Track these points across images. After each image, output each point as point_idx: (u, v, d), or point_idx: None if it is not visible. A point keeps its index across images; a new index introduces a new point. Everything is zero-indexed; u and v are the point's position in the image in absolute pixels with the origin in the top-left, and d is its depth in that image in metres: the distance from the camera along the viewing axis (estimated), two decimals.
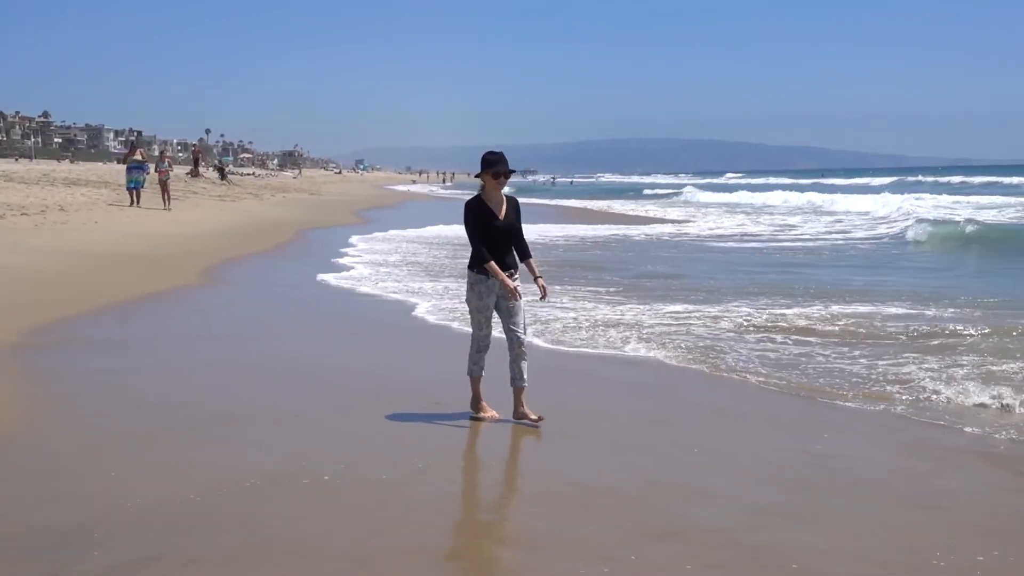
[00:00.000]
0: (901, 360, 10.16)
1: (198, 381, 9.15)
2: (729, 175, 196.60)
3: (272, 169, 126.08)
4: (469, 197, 7.70)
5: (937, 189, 73.18)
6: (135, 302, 13.62)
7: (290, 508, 5.71)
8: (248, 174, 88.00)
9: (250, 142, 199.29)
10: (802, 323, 12.42)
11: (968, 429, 7.75)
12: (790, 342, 11.21)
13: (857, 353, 10.54)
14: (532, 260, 7.83)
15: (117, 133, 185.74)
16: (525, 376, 7.62)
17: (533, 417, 7.59)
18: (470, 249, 7.60)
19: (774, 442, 7.42)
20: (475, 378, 7.73)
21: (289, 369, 9.70)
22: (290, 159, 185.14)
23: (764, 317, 12.89)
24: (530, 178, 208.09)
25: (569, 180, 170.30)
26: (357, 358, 10.54)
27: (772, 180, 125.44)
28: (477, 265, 7.53)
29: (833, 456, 7.03)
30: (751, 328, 12.10)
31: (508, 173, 7.59)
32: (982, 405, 8.41)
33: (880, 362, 10.09)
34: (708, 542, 5.28)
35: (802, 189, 73.56)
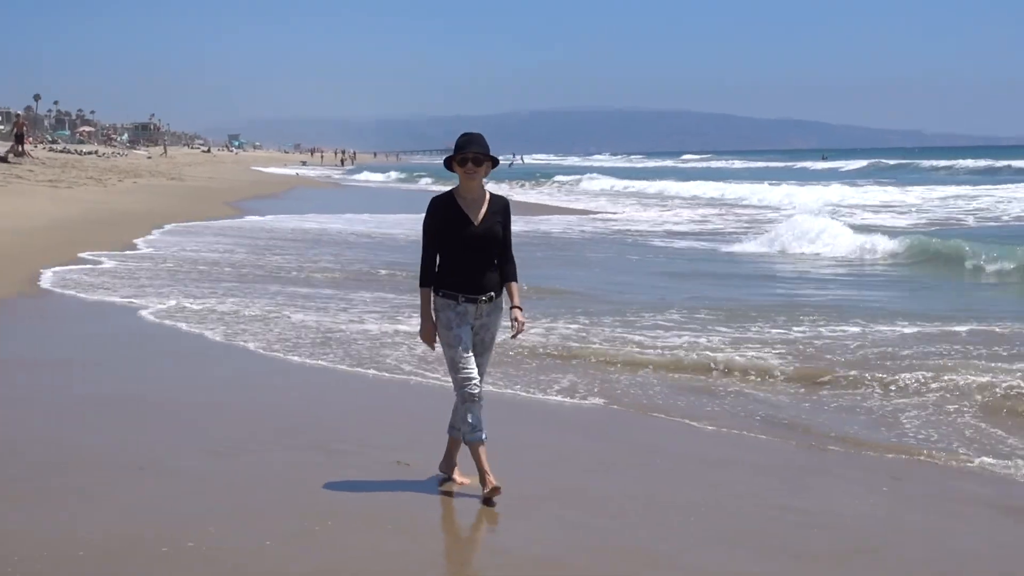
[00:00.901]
0: (885, 392, 10.37)
1: (18, 417, 9.03)
2: (688, 156, 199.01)
3: (120, 146, 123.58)
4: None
5: (921, 177, 75.20)
6: None
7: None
8: (90, 152, 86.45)
9: (92, 112, 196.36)
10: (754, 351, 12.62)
11: (985, 474, 7.89)
12: (752, 375, 11.28)
13: (825, 393, 10.65)
14: (515, 284, 7.20)
15: None
16: (481, 425, 7.04)
17: (464, 480, 7.29)
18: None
19: (752, 495, 7.45)
20: (475, 444, 7.04)
21: (136, 401, 9.60)
22: (144, 133, 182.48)
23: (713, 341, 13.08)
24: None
25: (510, 162, 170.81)
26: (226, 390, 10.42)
27: (741, 164, 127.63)
28: (440, 287, 7.01)
29: (825, 512, 7.09)
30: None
31: (482, 159, 7.00)
32: (993, 446, 8.58)
33: (862, 395, 10.30)
34: None
35: (779, 176, 74.83)
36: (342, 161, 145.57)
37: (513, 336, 7.24)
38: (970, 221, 36.18)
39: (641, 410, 9.73)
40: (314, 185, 70.62)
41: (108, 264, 19.61)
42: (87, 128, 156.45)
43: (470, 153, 6.98)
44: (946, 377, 10.42)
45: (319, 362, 11.57)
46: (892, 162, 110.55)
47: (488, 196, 7.15)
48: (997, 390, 9.99)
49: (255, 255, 22.79)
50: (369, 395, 10.49)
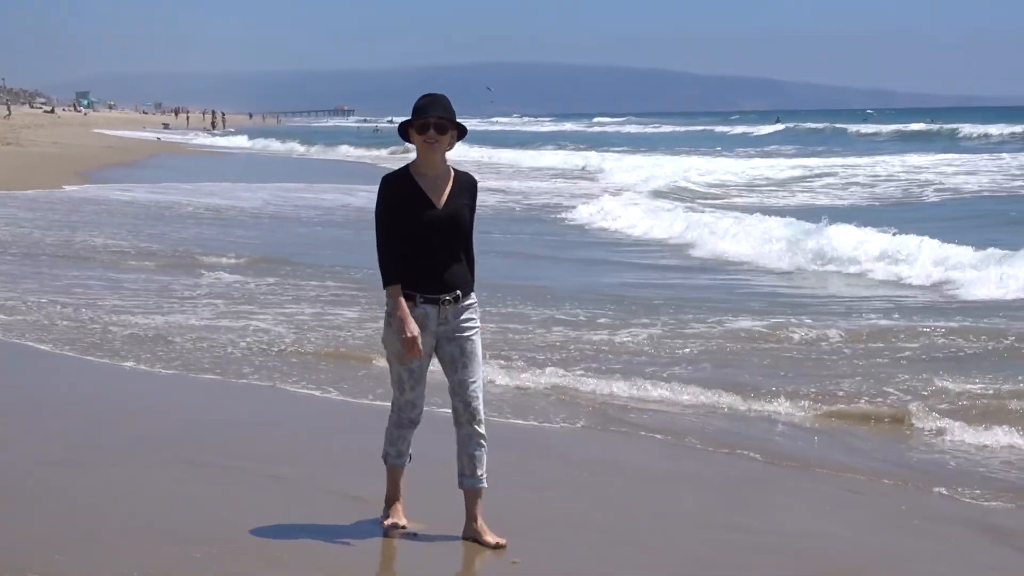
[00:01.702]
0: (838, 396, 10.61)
1: None
2: (601, 118, 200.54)
3: None
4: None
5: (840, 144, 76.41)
6: None
7: None
8: None
9: None
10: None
11: (957, 490, 8.04)
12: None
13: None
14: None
15: None
16: (482, 470, 6.58)
17: (492, 541, 6.54)
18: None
19: (699, 517, 7.51)
20: (393, 468, 6.76)
21: None
22: None
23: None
24: (347, 121, 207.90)
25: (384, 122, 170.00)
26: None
27: (668, 128, 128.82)
28: (395, 283, 6.47)
29: (784, 534, 7.20)
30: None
31: (446, 125, 6.48)
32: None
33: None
34: None
35: (693, 142, 75.50)
36: (212, 123, 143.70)
37: None
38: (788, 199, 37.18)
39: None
40: (184, 151, 69.91)
41: None
42: None
43: (432, 118, 6.41)
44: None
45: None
46: (818, 125, 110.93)
47: (452, 173, 6.61)
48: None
49: (69, 232, 22.83)
50: (229, 402, 10.54)
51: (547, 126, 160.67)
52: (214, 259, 19.25)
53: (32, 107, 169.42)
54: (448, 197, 6.48)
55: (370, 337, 12.12)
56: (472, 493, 6.56)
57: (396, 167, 6.72)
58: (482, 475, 6.52)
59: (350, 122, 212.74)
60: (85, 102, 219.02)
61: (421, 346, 6.34)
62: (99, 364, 11.54)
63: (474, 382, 6.48)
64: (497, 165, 60.93)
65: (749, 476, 8.40)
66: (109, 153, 58.83)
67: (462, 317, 6.50)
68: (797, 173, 47.72)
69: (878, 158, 54.57)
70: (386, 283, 6.40)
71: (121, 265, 18.42)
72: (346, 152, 75.47)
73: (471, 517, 6.57)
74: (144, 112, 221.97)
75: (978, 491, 7.92)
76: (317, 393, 10.53)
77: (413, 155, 6.66)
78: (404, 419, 6.60)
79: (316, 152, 78.32)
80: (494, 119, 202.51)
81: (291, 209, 31.07)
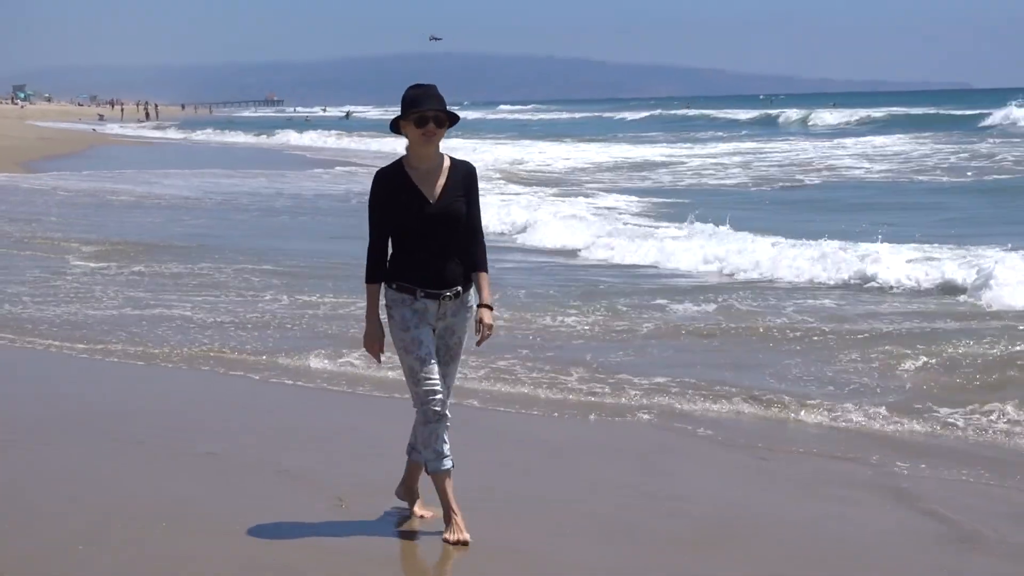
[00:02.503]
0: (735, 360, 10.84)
1: None
2: (505, 106, 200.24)
3: None
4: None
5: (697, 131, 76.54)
6: None
7: None
8: None
9: None
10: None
11: (861, 457, 8.14)
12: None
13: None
14: (485, 275, 6.32)
15: None
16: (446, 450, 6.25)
17: (419, 513, 6.57)
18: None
19: (608, 482, 7.55)
20: (437, 475, 6.29)
21: None
22: None
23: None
24: (283, 112, 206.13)
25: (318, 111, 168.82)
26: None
27: (563, 114, 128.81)
28: (394, 278, 6.18)
29: (692, 498, 7.27)
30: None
31: (443, 117, 6.12)
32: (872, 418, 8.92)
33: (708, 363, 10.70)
34: None
35: (581, 129, 76.14)
36: (147, 114, 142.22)
37: (478, 343, 6.35)
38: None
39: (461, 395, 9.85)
40: (121, 142, 68.98)
41: None
42: None
43: (430, 111, 6.02)
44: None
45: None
46: (678, 112, 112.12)
47: (447, 164, 6.20)
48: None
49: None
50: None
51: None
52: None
53: None
54: (442, 191, 6.10)
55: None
56: (438, 478, 6.21)
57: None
58: (445, 456, 6.20)
59: (289, 111, 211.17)
60: (22, 95, 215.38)
61: (381, 352, 6.27)
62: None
63: (448, 377, 6.29)
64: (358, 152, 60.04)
65: (663, 446, 8.46)
66: (46, 144, 57.87)
67: (458, 316, 6.24)
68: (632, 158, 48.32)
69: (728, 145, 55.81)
70: (366, 280, 6.20)
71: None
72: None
73: (444, 498, 6.25)
74: (80, 104, 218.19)
75: (881, 457, 8.01)
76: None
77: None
78: (429, 411, 6.12)
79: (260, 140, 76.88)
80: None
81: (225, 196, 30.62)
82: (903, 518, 6.90)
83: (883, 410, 8.96)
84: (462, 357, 6.49)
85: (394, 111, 6.45)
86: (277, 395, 9.90)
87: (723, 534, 6.54)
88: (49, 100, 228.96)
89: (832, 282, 15.74)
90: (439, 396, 6.10)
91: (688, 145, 59.33)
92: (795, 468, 7.91)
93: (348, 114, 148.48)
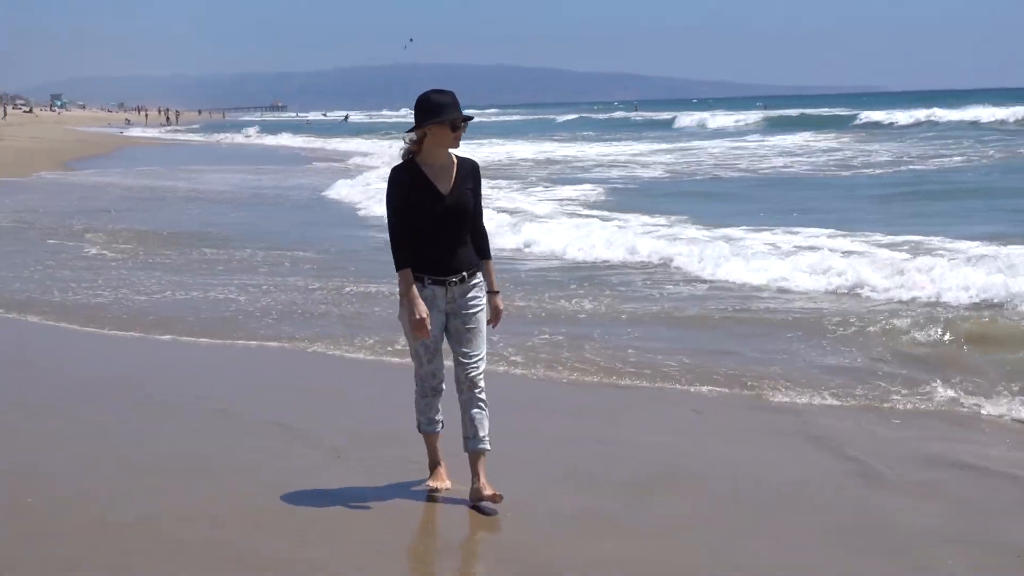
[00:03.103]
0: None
1: None
2: (468, 111, 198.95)
3: None
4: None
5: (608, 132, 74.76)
6: None
7: None
8: None
9: None
10: None
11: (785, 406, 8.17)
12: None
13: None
14: (490, 263, 6.10)
15: None
16: (484, 433, 5.98)
17: (489, 493, 5.97)
18: None
19: (558, 434, 7.54)
20: (427, 435, 6.14)
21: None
22: None
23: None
24: (285, 116, 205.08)
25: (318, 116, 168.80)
26: None
27: (518, 117, 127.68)
28: (406, 267, 5.86)
29: (636, 445, 7.26)
30: None
31: (465, 123, 5.88)
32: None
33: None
34: (513, 560, 5.37)
35: (525, 130, 74.23)
36: (167, 119, 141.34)
37: (492, 327, 6.08)
38: None
39: None
40: (145, 143, 68.47)
41: None
42: None
43: (464, 117, 5.80)
44: None
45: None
46: (602, 116, 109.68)
47: (456, 161, 5.93)
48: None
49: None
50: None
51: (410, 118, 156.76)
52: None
53: (13, 108, 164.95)
54: (453, 186, 5.83)
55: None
56: (475, 455, 5.97)
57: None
58: (484, 437, 5.95)
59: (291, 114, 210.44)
60: (59, 103, 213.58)
61: (429, 326, 5.78)
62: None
63: (476, 354, 5.91)
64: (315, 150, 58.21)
65: (615, 400, 8.47)
66: (82, 146, 57.41)
67: (468, 296, 5.88)
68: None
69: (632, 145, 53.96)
70: (397, 267, 5.80)
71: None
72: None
73: (475, 475, 5.98)
74: (109, 111, 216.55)
75: (801, 413, 7.99)
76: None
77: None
78: (426, 388, 6.00)
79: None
80: (382, 111, 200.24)
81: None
82: (818, 459, 6.93)
83: (803, 378, 8.79)
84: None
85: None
86: (289, 362, 9.78)
87: (668, 476, 6.58)
88: (83, 107, 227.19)
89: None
90: (439, 378, 5.97)
91: (604, 143, 57.52)
92: (728, 421, 7.90)
93: (347, 117, 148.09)
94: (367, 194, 25.39)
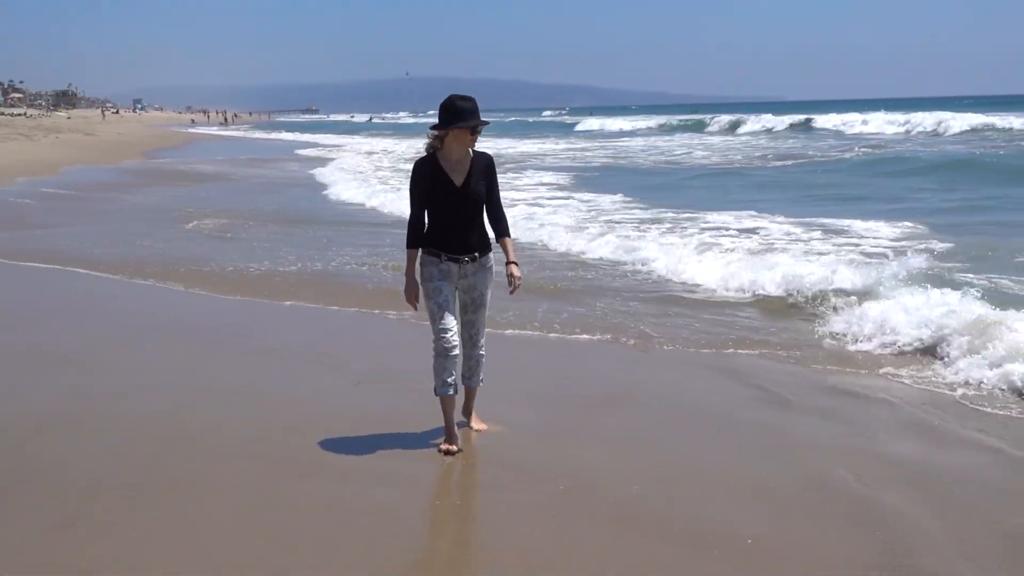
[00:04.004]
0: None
1: None
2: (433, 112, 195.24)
3: (41, 109, 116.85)
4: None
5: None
6: None
7: (61, 445, 5.48)
8: (19, 114, 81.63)
9: (21, 81, 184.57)
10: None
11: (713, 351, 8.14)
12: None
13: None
14: (509, 240, 5.68)
15: None
16: (478, 376, 5.86)
17: (475, 427, 5.89)
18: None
19: (522, 373, 7.39)
20: (442, 399, 5.59)
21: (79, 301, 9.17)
22: (64, 99, 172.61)
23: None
24: (314, 117, 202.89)
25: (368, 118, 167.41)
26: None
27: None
28: (427, 244, 5.57)
29: (591, 379, 7.19)
30: None
31: (482, 126, 5.52)
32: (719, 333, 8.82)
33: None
34: (490, 461, 5.37)
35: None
36: (225, 119, 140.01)
37: (511, 292, 5.66)
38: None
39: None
40: (207, 138, 67.69)
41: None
42: (16, 95, 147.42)
43: (483, 123, 5.45)
44: None
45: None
46: (532, 119, 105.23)
47: (471, 155, 5.54)
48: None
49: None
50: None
51: (405, 119, 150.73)
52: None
53: (105, 111, 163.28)
54: (466, 177, 5.46)
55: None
56: (470, 390, 5.86)
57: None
58: (476, 379, 5.81)
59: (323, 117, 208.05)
60: (139, 106, 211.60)
61: (416, 301, 5.54)
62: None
63: (479, 321, 5.69)
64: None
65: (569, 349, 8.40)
66: (159, 140, 56.86)
67: (479, 274, 5.58)
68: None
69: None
70: (407, 246, 5.55)
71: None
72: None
73: (467, 408, 5.90)
74: (179, 112, 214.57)
75: (724, 352, 7.98)
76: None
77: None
78: (440, 347, 5.48)
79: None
80: (386, 115, 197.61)
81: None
82: (733, 387, 6.90)
83: (732, 335, 8.52)
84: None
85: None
86: (326, 317, 9.47)
87: (618, 400, 6.55)
88: (160, 110, 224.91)
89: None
90: (450, 335, 5.47)
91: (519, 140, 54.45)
92: (667, 358, 7.88)
93: (371, 119, 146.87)
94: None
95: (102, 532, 4.38)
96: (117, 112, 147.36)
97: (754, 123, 61.92)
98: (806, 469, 5.27)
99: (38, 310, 9.41)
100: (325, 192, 23.13)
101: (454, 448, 5.51)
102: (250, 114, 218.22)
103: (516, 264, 5.61)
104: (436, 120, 5.41)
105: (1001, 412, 6.27)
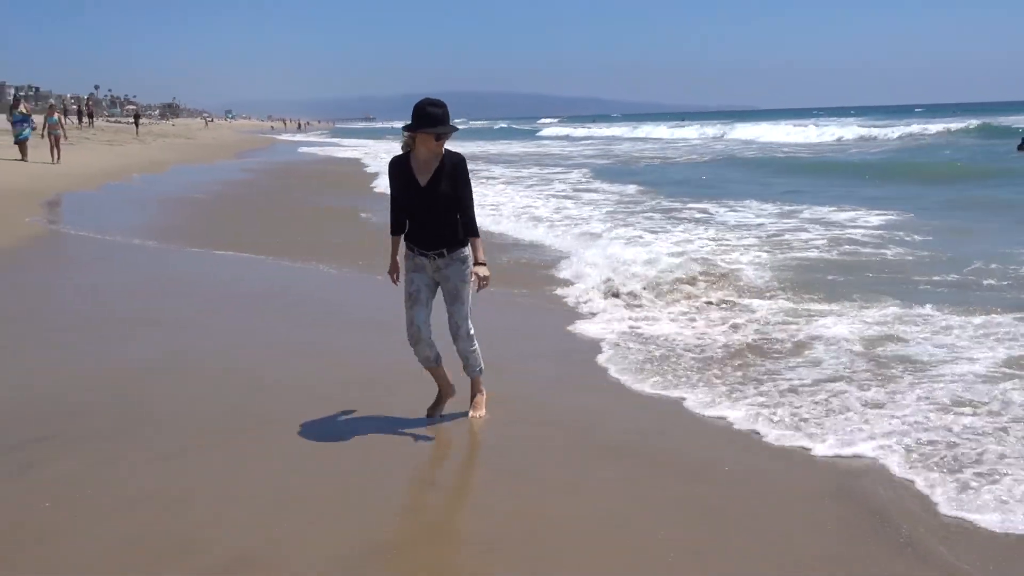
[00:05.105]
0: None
1: (92, 291, 8.56)
2: (460, 120, 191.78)
3: (152, 119, 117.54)
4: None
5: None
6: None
7: (166, 390, 5.47)
8: (130, 122, 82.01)
9: (134, 95, 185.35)
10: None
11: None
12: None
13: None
14: (477, 240, 4.91)
15: (18, 89, 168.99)
16: (473, 366, 5.14)
17: (474, 414, 5.16)
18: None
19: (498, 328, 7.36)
20: (428, 370, 5.14)
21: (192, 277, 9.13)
22: (169, 110, 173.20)
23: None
24: (369, 124, 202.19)
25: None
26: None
27: (502, 125, 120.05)
28: (406, 238, 4.99)
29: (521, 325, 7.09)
30: None
31: (448, 133, 4.77)
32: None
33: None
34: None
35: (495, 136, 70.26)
36: (299, 126, 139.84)
37: (476, 291, 4.96)
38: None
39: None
40: (285, 143, 67.46)
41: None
42: (130, 106, 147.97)
43: (447, 131, 4.72)
44: None
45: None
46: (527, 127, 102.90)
47: (441, 155, 4.80)
48: None
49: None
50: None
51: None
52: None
53: (200, 119, 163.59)
54: (432, 177, 4.77)
55: None
56: (471, 379, 5.18)
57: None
58: (471, 369, 5.12)
59: (376, 124, 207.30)
60: (230, 115, 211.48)
61: (397, 279, 5.02)
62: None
63: (457, 314, 4.93)
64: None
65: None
66: (247, 143, 56.81)
67: (451, 268, 4.87)
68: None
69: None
70: (390, 232, 5.00)
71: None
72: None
73: (472, 395, 5.22)
74: (261, 121, 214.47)
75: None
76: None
77: None
78: (410, 336, 4.95)
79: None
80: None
81: None
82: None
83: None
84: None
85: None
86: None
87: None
88: (248, 118, 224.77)
89: None
90: (412, 328, 4.90)
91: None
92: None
93: (404, 125, 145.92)
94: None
95: (198, 462, 4.37)
96: (212, 120, 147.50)
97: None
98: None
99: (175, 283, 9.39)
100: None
101: (438, 412, 5.11)
102: (319, 122, 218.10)
103: (483, 264, 4.86)
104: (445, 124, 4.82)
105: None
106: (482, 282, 4.86)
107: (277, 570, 3.35)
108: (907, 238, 11.56)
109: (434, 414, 5.12)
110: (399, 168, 4.85)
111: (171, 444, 4.56)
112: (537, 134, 76.29)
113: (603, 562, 3.43)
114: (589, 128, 78.48)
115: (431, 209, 4.80)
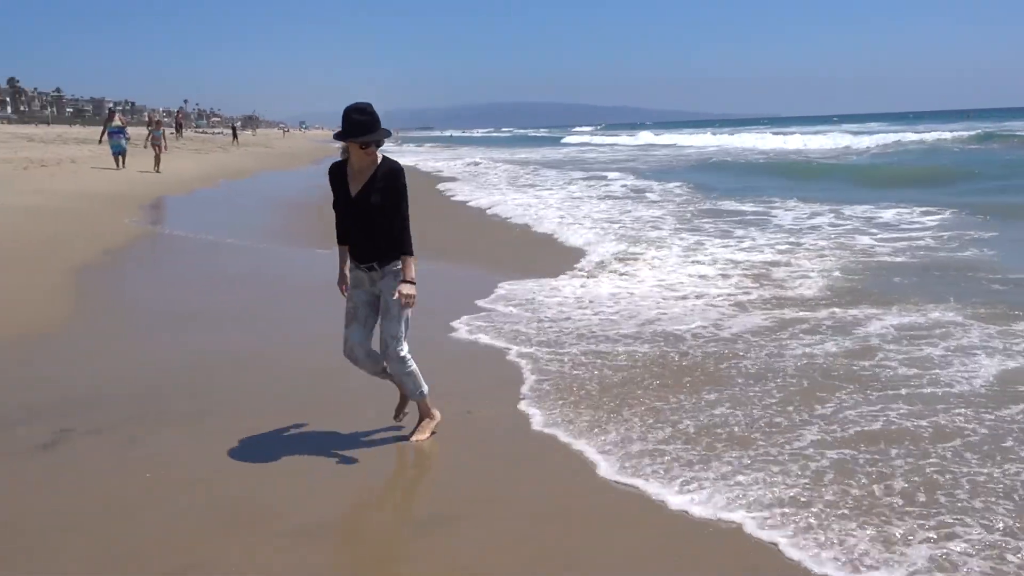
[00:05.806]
0: None
1: (183, 288, 8.69)
2: (506, 129, 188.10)
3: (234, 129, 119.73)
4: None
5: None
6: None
7: (231, 379, 5.59)
8: (218, 133, 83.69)
9: (219, 108, 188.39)
10: None
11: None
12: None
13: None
14: (408, 258, 4.18)
15: (115, 104, 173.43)
16: (410, 388, 4.40)
17: (412, 438, 4.46)
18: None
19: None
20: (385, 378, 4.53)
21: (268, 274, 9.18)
22: (250, 122, 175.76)
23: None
24: (426, 132, 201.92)
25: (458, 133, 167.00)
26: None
27: (537, 133, 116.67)
28: (339, 244, 4.41)
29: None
30: None
31: (370, 143, 4.11)
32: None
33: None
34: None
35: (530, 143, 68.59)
36: None
37: (401, 308, 4.19)
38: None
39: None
40: None
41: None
42: (216, 119, 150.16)
43: (372, 140, 4.08)
44: None
45: None
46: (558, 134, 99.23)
47: (376, 164, 4.16)
48: None
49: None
50: None
51: (477, 132, 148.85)
52: None
53: (278, 129, 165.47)
54: (363, 187, 4.13)
55: None
56: (418, 403, 4.48)
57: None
58: (410, 392, 4.41)
59: (435, 132, 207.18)
60: (304, 126, 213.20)
61: (345, 289, 4.37)
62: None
63: (386, 331, 4.22)
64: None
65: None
66: (321, 151, 57.02)
67: (384, 282, 4.22)
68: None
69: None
70: (337, 241, 4.39)
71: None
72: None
73: (420, 417, 4.53)
74: (332, 131, 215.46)
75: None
76: None
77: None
78: (346, 351, 4.36)
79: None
80: (475, 130, 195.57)
81: None
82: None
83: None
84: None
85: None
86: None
87: None
88: (320, 128, 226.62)
89: None
90: (347, 345, 4.32)
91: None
92: None
93: (451, 134, 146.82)
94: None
95: (272, 441, 4.49)
96: (288, 130, 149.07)
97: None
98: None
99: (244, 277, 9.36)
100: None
101: (404, 407, 4.59)
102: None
103: (410, 283, 4.15)
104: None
105: None
106: (404, 299, 4.15)
107: (350, 535, 3.52)
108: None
109: (399, 416, 4.61)
110: (335, 176, 4.25)
111: (244, 424, 4.68)
112: (562, 140, 73.77)
113: None
114: (618, 136, 77.55)
115: (360, 220, 4.15)
